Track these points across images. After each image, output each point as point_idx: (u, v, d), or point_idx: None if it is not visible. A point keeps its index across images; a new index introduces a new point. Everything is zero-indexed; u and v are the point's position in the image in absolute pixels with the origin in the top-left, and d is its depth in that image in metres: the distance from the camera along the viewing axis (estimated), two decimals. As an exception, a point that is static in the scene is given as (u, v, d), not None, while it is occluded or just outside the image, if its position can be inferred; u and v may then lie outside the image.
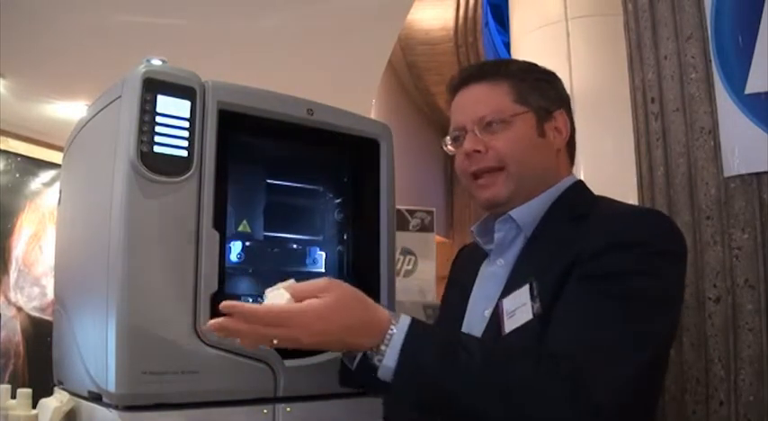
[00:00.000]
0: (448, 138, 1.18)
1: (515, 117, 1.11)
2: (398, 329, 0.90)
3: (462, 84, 1.17)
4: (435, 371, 0.90)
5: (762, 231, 1.50)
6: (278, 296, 0.89)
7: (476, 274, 1.19)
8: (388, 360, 0.90)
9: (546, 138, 1.13)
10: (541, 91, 1.14)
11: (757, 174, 1.51)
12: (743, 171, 1.53)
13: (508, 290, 1.07)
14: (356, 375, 1.14)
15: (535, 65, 1.20)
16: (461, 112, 1.16)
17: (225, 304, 0.90)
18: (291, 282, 0.92)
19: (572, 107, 1.20)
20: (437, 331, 0.98)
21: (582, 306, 0.94)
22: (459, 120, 1.16)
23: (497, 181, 1.12)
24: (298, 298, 0.90)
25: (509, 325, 1.02)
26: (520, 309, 1.01)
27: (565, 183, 1.14)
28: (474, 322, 1.12)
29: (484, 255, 1.20)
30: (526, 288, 1.02)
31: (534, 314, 0.99)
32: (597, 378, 0.88)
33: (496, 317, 1.05)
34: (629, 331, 0.93)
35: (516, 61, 1.22)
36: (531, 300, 1.00)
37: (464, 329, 1.12)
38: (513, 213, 1.11)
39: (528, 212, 1.11)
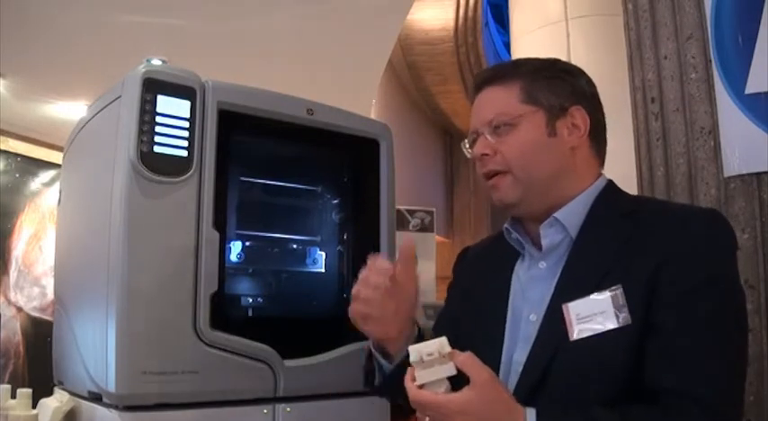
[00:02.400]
0: (466, 141, 1.19)
1: (521, 118, 1.11)
2: None
3: (477, 88, 1.19)
4: None
5: (762, 231, 1.50)
6: (438, 384, 0.97)
7: (507, 275, 1.17)
8: None
9: (558, 137, 1.11)
10: (553, 88, 1.13)
11: (757, 174, 1.51)
12: (743, 171, 1.53)
13: (565, 293, 1.04)
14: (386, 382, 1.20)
15: (554, 62, 1.19)
16: (475, 116, 1.18)
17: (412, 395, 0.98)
18: (451, 366, 0.97)
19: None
20: (563, 416, 0.97)
21: (688, 337, 0.96)
22: (472, 123, 1.18)
23: (504, 184, 1.12)
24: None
25: (581, 331, 1.00)
26: (598, 316, 0.99)
27: (600, 184, 1.14)
28: (519, 327, 1.10)
29: (512, 254, 1.18)
30: (606, 295, 1.00)
31: (620, 324, 0.98)
32: (726, 411, 0.95)
33: (553, 322, 1.03)
34: (736, 352, 0.99)
35: (533, 60, 1.20)
36: (615, 308, 0.99)
37: (507, 335, 1.11)
38: (559, 215, 1.10)
39: (571, 214, 1.10)
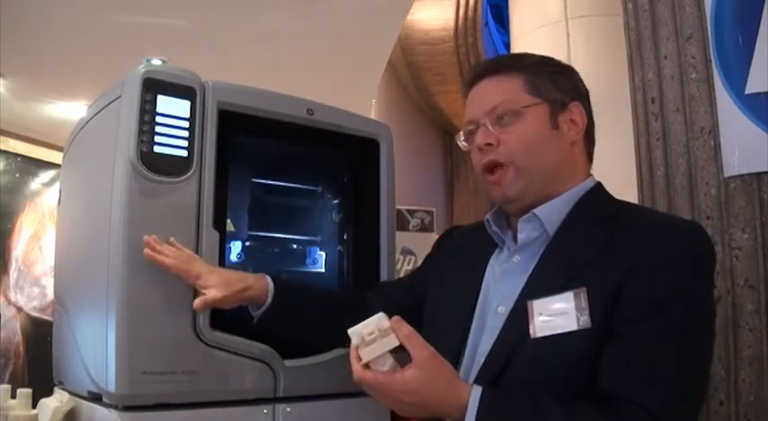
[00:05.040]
0: (461, 134, 1.18)
1: (527, 108, 1.10)
2: (470, 406, 0.95)
3: (477, 79, 1.17)
4: None
5: (762, 231, 1.50)
6: (382, 361, 0.96)
7: (483, 265, 1.17)
8: None
9: (559, 131, 1.11)
10: (556, 83, 1.13)
11: (757, 174, 1.51)
12: (743, 171, 1.53)
13: (533, 289, 1.05)
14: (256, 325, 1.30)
15: (551, 58, 1.19)
16: (475, 106, 1.15)
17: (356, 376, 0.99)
18: (392, 338, 0.96)
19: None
20: (508, 398, 0.98)
21: (647, 347, 0.96)
22: (471, 113, 1.15)
23: (507, 178, 1.11)
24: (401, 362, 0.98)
25: (542, 329, 1.00)
26: (559, 316, 0.99)
27: (587, 184, 1.14)
28: (486, 317, 1.10)
29: (490, 245, 1.18)
30: (570, 295, 1.00)
31: (580, 326, 0.98)
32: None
33: (519, 317, 1.03)
34: (694, 368, 0.98)
35: (531, 55, 1.19)
36: (577, 310, 0.98)
37: (475, 323, 1.11)
38: (538, 212, 1.10)
39: (552, 211, 1.10)
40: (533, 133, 1.10)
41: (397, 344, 0.96)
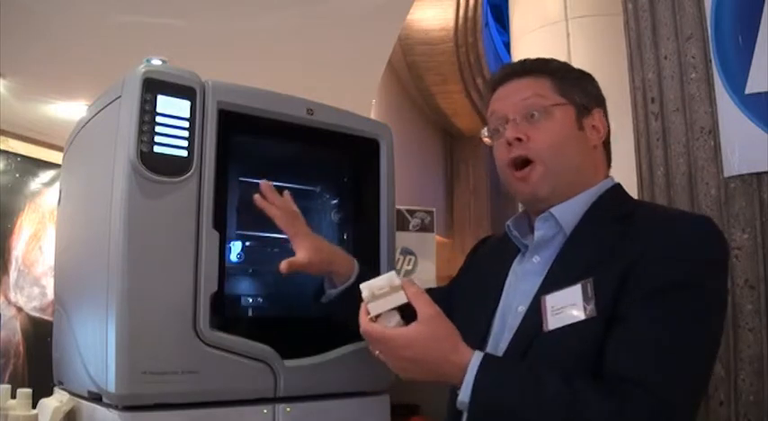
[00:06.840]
0: (485, 130, 1.19)
1: (556, 107, 1.12)
2: (470, 367, 0.96)
3: (505, 79, 1.19)
4: (510, 402, 0.95)
5: (762, 231, 1.50)
6: (390, 317, 0.99)
7: (506, 270, 1.19)
8: (463, 396, 0.96)
9: (584, 133, 1.14)
10: (581, 87, 1.16)
11: (757, 174, 1.51)
12: (743, 171, 1.53)
13: (549, 287, 1.06)
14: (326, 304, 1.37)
15: (572, 66, 1.23)
16: (503, 102, 1.17)
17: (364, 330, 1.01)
18: (401, 295, 0.99)
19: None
20: (509, 365, 1.00)
21: (649, 329, 0.96)
22: (499, 108, 1.17)
23: (535, 176, 1.12)
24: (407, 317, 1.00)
25: (553, 322, 1.02)
26: (568, 308, 1.01)
27: (605, 184, 1.15)
28: (507, 317, 1.12)
29: (514, 251, 1.20)
30: (578, 287, 1.01)
31: (587, 315, 0.99)
32: (674, 405, 0.95)
33: (534, 313, 1.05)
34: (696, 353, 0.98)
35: (556, 60, 1.23)
36: (584, 300, 1.00)
37: (497, 324, 1.13)
38: (555, 211, 1.11)
39: (569, 211, 1.11)
40: (562, 132, 1.12)
41: (405, 300, 0.98)
